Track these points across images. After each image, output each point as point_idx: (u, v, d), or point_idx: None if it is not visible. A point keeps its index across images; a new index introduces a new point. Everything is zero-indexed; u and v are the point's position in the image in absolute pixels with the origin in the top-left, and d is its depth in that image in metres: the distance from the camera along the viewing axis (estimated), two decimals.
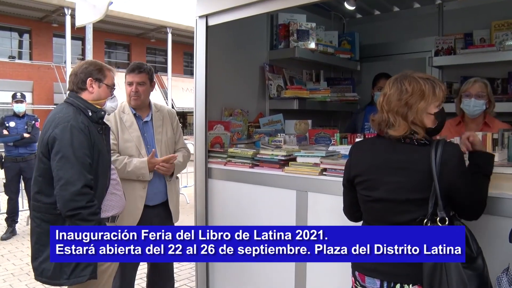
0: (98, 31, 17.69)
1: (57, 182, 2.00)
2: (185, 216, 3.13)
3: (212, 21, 2.89)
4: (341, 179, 2.33)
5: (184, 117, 27.58)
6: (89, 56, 12.53)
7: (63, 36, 18.47)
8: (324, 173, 2.42)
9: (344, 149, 2.70)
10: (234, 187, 2.85)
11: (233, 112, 3.28)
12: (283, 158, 2.59)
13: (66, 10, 18.08)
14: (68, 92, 2.23)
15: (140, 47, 24.01)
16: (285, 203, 2.57)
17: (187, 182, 8.11)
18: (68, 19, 18.19)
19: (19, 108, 5.71)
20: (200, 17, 2.92)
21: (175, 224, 2.95)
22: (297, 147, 2.85)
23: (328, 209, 2.41)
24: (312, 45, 3.62)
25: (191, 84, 25.49)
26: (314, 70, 4.11)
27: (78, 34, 19.78)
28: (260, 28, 3.62)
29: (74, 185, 1.97)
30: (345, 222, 2.32)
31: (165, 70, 24.06)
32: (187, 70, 27.90)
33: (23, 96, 5.85)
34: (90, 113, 2.15)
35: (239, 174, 2.81)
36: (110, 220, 2.22)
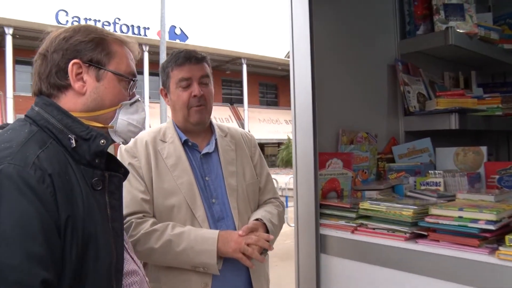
0: None
1: None
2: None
3: None
4: None
5: (261, 148, 26.80)
6: None
7: None
8: None
9: None
10: (374, 274, 1.54)
11: (356, 138, 1.99)
12: (492, 227, 1.24)
13: (6, 29, 15.68)
14: (35, 98, 1.07)
15: (215, 79, 23.90)
16: None
17: None
18: (9, 40, 15.76)
19: None
20: None
21: None
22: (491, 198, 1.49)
23: None
24: (470, 27, 2.27)
25: (267, 115, 24.97)
26: (462, 72, 2.74)
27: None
28: (383, 6, 2.36)
29: None
30: None
31: (241, 101, 23.68)
32: (263, 100, 27.43)
33: None
34: (72, 142, 0.97)
35: (384, 252, 1.50)
36: None
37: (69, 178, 0.93)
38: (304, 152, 1.73)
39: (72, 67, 1.02)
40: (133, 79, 1.11)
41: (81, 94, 1.04)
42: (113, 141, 1.08)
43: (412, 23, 2.34)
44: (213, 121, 1.77)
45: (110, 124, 1.07)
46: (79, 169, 0.97)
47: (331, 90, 1.96)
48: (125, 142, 1.13)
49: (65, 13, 17.45)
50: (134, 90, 1.12)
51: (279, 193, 8.52)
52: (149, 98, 19.08)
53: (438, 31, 2.24)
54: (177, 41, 20.32)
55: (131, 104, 1.10)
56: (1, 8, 15.73)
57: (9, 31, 15.86)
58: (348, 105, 2.07)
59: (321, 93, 1.78)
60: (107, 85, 1.06)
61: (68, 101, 1.04)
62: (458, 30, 2.22)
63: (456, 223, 1.30)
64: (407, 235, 1.44)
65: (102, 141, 1.00)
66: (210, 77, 1.67)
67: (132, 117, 1.10)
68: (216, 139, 1.69)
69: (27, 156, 0.88)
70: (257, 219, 1.60)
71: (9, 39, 15.96)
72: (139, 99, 1.13)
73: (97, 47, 1.06)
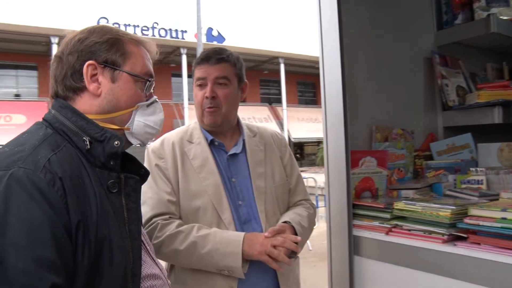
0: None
1: None
2: None
3: None
4: None
5: (301, 147, 26.62)
6: None
7: None
8: None
9: None
10: (409, 278, 1.46)
11: (391, 135, 1.91)
12: None
13: (52, 39, 16.15)
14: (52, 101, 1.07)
15: (253, 80, 23.91)
16: None
17: None
18: (55, 49, 15.89)
19: None
20: None
21: None
22: None
23: None
24: None
25: (306, 114, 24.78)
26: (506, 62, 2.58)
27: None
28: None
29: None
30: None
31: (279, 101, 23.62)
32: (301, 99, 27.24)
33: None
34: (87, 144, 0.96)
35: (420, 255, 1.42)
36: None
37: (83, 181, 0.92)
38: (335, 150, 1.67)
39: (87, 68, 1.01)
40: (149, 79, 1.09)
41: (96, 96, 1.02)
42: (129, 143, 1.07)
43: (450, 12, 2.22)
44: (242, 121, 1.74)
45: (126, 126, 1.05)
46: (94, 171, 0.96)
47: (364, 86, 1.89)
48: (142, 144, 1.11)
49: (106, 20, 17.99)
50: (151, 90, 1.10)
51: (319, 192, 8.38)
52: (188, 100, 19.35)
53: (479, 19, 2.11)
54: (215, 43, 20.47)
55: (148, 105, 1.08)
56: (47, 19, 16.42)
57: (54, 40, 16.50)
58: (382, 100, 1.98)
59: (353, 88, 1.71)
60: (123, 86, 1.04)
61: (83, 103, 1.02)
62: (501, 17, 2.09)
63: (499, 224, 1.21)
64: (445, 237, 1.35)
65: (116, 143, 0.98)
66: (232, 78, 1.60)
67: (149, 119, 1.08)
68: (244, 140, 1.66)
69: (38, 159, 0.88)
70: (285, 222, 1.55)
71: (55, 48, 16.61)
72: (157, 99, 1.12)
73: (112, 47, 1.04)
